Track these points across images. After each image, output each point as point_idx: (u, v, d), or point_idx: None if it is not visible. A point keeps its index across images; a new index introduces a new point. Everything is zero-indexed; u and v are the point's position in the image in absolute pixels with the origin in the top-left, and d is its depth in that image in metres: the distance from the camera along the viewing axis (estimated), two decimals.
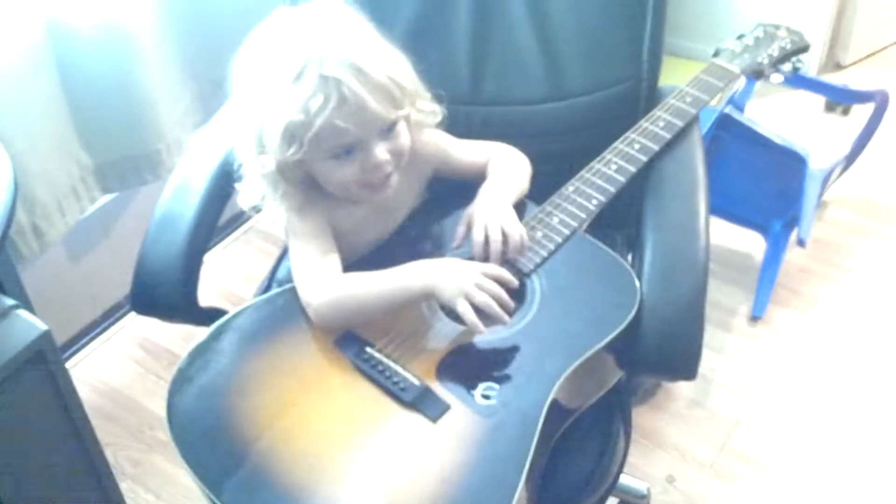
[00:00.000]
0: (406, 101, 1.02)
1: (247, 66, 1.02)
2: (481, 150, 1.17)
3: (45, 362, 1.03)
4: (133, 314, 1.91)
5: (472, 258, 1.05)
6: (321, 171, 1.03)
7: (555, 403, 0.95)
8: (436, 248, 1.10)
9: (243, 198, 1.08)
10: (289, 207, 1.06)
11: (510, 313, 0.98)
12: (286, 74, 0.96)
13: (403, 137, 1.04)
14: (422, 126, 1.09)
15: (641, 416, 1.67)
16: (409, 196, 1.14)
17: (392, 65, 1.00)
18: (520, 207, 1.12)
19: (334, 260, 1.05)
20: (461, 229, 1.10)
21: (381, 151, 1.01)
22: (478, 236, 1.05)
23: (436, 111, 1.09)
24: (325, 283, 1.02)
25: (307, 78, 0.95)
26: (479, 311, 0.97)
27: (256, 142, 1.01)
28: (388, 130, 1.02)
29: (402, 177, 1.08)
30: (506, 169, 1.15)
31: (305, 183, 1.05)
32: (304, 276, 1.04)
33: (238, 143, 1.05)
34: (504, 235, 1.04)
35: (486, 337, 0.99)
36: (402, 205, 1.13)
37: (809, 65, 2.62)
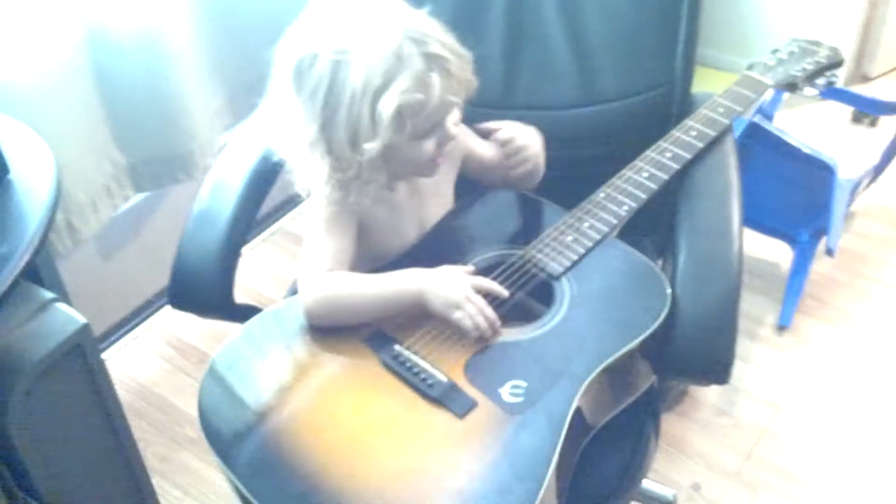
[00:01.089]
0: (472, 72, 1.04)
1: (314, 54, 0.97)
2: (495, 129, 1.20)
3: (83, 355, 1.04)
4: (163, 312, 1.95)
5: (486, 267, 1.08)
6: (401, 150, 1.01)
7: (586, 407, 0.95)
8: (468, 254, 1.11)
9: (306, 189, 1.06)
10: (342, 195, 1.03)
11: (496, 329, 1.00)
12: (383, 56, 0.94)
13: (457, 110, 1.06)
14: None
15: (667, 424, 1.66)
16: (445, 184, 1.16)
17: (452, 37, 1.01)
18: (550, 212, 1.13)
19: (342, 259, 1.06)
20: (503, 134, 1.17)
21: (452, 124, 1.03)
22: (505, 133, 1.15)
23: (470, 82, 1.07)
24: (320, 280, 1.03)
25: (412, 59, 0.95)
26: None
27: (351, 129, 0.97)
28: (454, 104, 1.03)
29: None
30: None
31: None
32: (304, 270, 1.05)
33: (309, 134, 1.00)
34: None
35: (515, 337, 1.00)
36: (439, 193, 1.15)
37: (838, 76, 2.61)
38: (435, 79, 0.96)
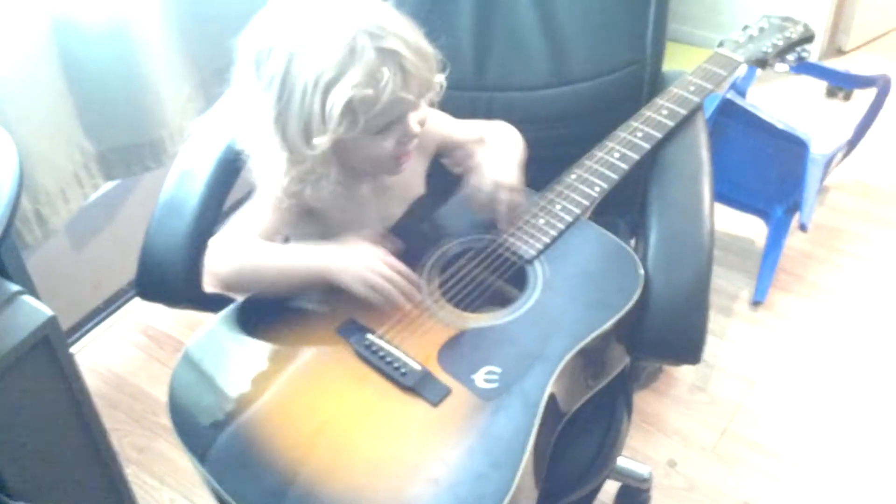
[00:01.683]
0: (436, 69, 1.02)
1: (271, 45, 0.96)
2: (476, 129, 1.18)
3: (50, 348, 1.03)
4: (136, 301, 1.93)
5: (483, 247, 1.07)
6: (359, 146, 1.00)
7: (560, 389, 0.95)
8: (439, 240, 1.10)
9: (262, 182, 1.06)
10: (295, 184, 1.02)
11: (413, 294, 1.00)
12: (336, 50, 0.93)
13: (424, 108, 1.04)
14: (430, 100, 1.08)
15: (643, 401, 1.68)
16: (414, 177, 1.15)
17: (419, 33, 1.00)
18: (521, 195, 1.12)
19: (270, 238, 1.05)
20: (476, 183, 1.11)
21: (415, 122, 1.01)
22: (484, 187, 1.08)
23: (442, 82, 1.07)
24: (233, 246, 1.03)
25: (365, 53, 0.93)
26: None
27: (303, 123, 0.96)
28: (418, 101, 1.02)
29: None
30: (502, 138, 1.15)
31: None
32: (226, 238, 1.04)
33: (265, 126, 0.99)
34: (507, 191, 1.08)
35: (488, 322, 1.00)
36: (407, 185, 1.14)
37: (811, 50, 2.61)
38: (387, 74, 0.94)
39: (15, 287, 1.03)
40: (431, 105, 1.08)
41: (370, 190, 1.10)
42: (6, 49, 1.44)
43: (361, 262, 0.99)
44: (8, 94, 1.46)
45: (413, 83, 0.97)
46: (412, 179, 1.14)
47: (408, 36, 0.96)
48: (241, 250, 1.03)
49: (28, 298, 1.02)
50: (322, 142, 0.96)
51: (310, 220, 1.08)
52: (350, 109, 0.94)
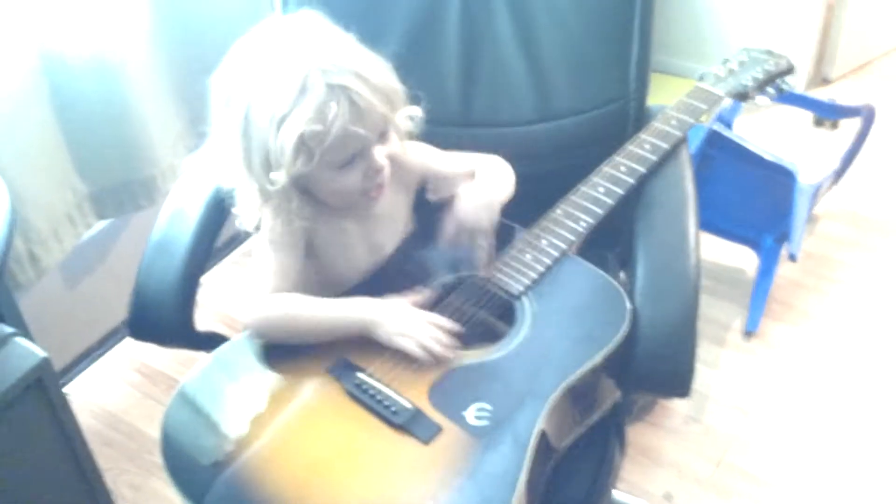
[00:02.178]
0: (399, 103, 1.04)
1: (235, 83, 0.99)
2: (466, 161, 1.19)
3: (44, 389, 1.03)
4: (130, 339, 1.93)
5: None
6: (323, 181, 1.03)
7: (551, 425, 0.95)
8: (428, 277, 1.11)
9: (245, 219, 1.07)
10: (284, 220, 1.05)
11: (447, 353, 1.00)
12: (289, 87, 0.95)
13: (394, 141, 1.06)
14: (406, 133, 1.10)
15: (638, 433, 1.68)
16: (398, 209, 1.16)
17: (383, 68, 1.02)
18: (508, 231, 1.14)
19: (288, 277, 1.06)
20: (450, 227, 1.12)
21: (381, 156, 1.03)
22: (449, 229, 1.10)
23: (416, 113, 1.09)
24: (264, 301, 1.04)
25: (315, 88, 0.95)
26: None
27: (262, 158, 0.99)
28: (383, 136, 1.03)
29: (389, 188, 1.09)
30: (491, 174, 1.16)
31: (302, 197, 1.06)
32: (252, 289, 1.05)
33: (236, 162, 1.02)
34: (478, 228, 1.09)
35: (478, 359, 1.00)
36: (392, 218, 1.15)
37: (797, 80, 2.64)
38: (334, 108, 0.95)
39: (8, 329, 1.03)
40: (412, 138, 1.10)
41: (354, 223, 1.11)
42: None
43: (409, 319, 1.01)
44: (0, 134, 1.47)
45: (368, 117, 0.98)
46: (396, 211, 1.15)
47: (364, 71, 0.98)
48: (273, 306, 1.04)
49: (21, 340, 1.03)
50: (279, 176, 0.98)
51: (307, 253, 1.10)
52: (302, 144, 0.96)
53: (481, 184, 1.15)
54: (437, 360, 1.00)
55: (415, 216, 1.18)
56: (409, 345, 0.99)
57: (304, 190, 1.05)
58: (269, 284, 1.05)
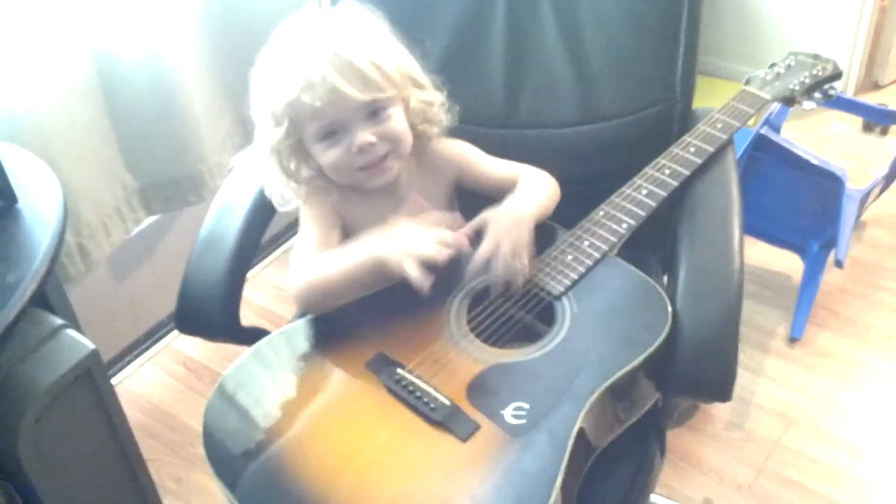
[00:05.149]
0: (389, 85, 1.06)
1: (257, 67, 1.09)
2: (510, 168, 1.19)
3: (92, 380, 1.06)
4: (175, 333, 1.97)
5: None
6: (315, 155, 1.09)
7: (590, 427, 0.95)
8: (459, 275, 1.10)
9: (275, 197, 1.14)
10: (303, 193, 1.12)
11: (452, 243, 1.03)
12: (277, 63, 1.05)
13: (396, 122, 1.08)
14: (432, 118, 1.14)
15: (679, 438, 1.67)
16: (430, 196, 1.17)
17: (375, 49, 1.05)
18: (550, 232, 1.14)
19: (328, 247, 1.10)
20: (469, 230, 1.10)
21: (365, 134, 1.05)
22: (483, 253, 1.06)
23: (440, 101, 1.13)
24: (302, 269, 1.07)
25: (290, 64, 1.03)
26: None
27: (261, 128, 1.09)
28: (374, 114, 1.06)
29: (420, 178, 1.13)
30: (533, 188, 1.16)
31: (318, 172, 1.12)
32: (292, 262, 1.09)
33: (256, 138, 1.12)
34: (507, 265, 1.06)
35: (517, 358, 1.00)
36: (421, 203, 1.16)
37: (847, 84, 2.60)
38: (290, 83, 1.02)
39: (59, 321, 1.06)
40: (449, 132, 1.16)
41: (384, 205, 1.13)
42: (50, 86, 1.49)
43: (407, 238, 1.02)
44: (52, 130, 1.51)
45: (325, 95, 1.02)
46: (429, 199, 1.16)
47: (348, 52, 1.02)
48: (308, 270, 1.07)
49: (71, 332, 1.05)
50: (269, 139, 1.08)
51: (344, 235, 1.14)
52: (273, 114, 1.06)
53: (516, 200, 1.13)
54: (445, 257, 1.01)
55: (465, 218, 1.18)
56: (411, 270, 0.99)
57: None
58: (310, 255, 1.09)
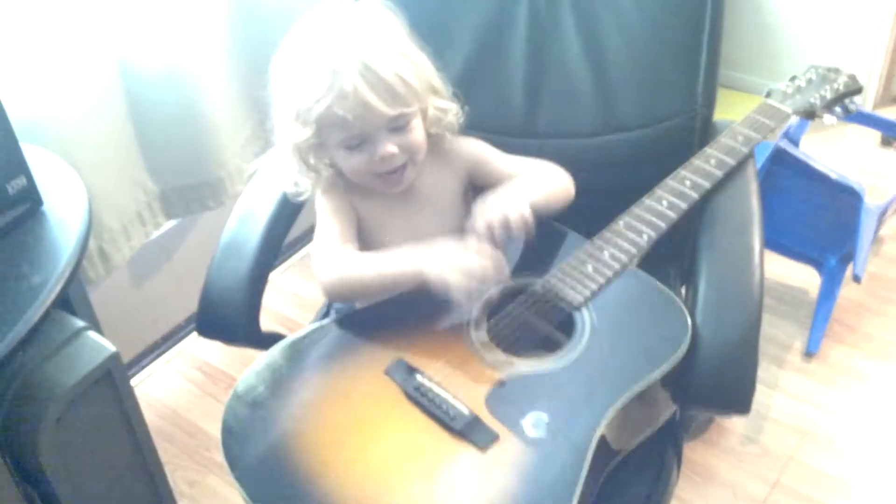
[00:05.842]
0: (413, 99, 1.07)
1: (279, 61, 1.10)
2: (523, 163, 1.21)
3: (112, 383, 1.06)
4: (192, 337, 1.98)
5: None
6: (337, 159, 1.11)
7: (607, 437, 0.95)
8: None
9: (292, 190, 1.17)
10: (320, 186, 1.15)
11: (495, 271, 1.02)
12: (305, 65, 1.06)
13: (416, 133, 1.10)
14: (445, 125, 1.15)
15: (694, 452, 1.66)
16: (443, 194, 1.18)
17: (402, 63, 1.06)
18: (569, 241, 1.14)
19: (348, 237, 1.13)
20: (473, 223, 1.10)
21: (388, 145, 1.07)
22: (478, 225, 1.07)
23: (455, 110, 1.15)
24: (334, 261, 1.10)
25: (320, 70, 1.03)
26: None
27: (284, 124, 1.11)
28: (398, 126, 1.07)
29: (432, 173, 1.15)
30: (534, 176, 1.18)
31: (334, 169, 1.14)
32: (317, 253, 1.12)
33: (276, 133, 1.14)
34: (505, 219, 1.06)
35: (536, 368, 1.00)
36: (435, 200, 1.17)
37: (865, 99, 2.60)
38: (321, 92, 1.03)
39: (80, 323, 1.06)
40: (455, 132, 1.17)
41: (396, 199, 1.15)
42: (76, 91, 1.51)
43: (452, 258, 1.03)
44: (77, 137, 1.52)
45: (355, 107, 1.03)
46: (441, 195, 1.18)
47: (378, 65, 1.03)
48: (341, 264, 1.10)
49: (92, 334, 1.06)
50: (295, 140, 1.09)
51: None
52: (299, 116, 1.07)
53: (515, 183, 1.16)
54: (487, 286, 1.03)
55: None
56: (453, 292, 1.00)
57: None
58: (334, 244, 1.12)
